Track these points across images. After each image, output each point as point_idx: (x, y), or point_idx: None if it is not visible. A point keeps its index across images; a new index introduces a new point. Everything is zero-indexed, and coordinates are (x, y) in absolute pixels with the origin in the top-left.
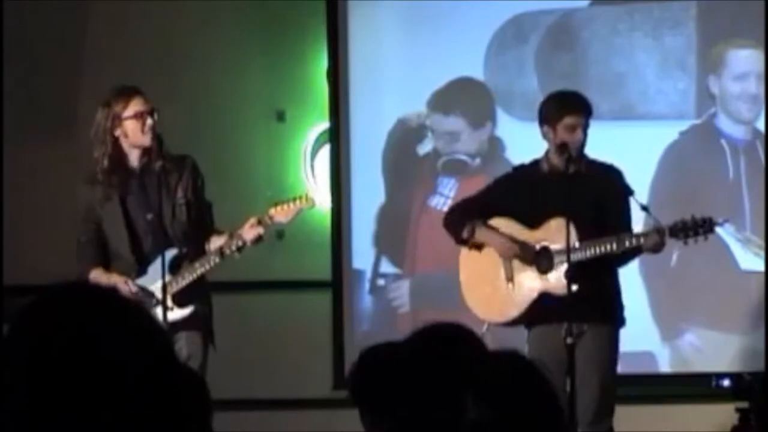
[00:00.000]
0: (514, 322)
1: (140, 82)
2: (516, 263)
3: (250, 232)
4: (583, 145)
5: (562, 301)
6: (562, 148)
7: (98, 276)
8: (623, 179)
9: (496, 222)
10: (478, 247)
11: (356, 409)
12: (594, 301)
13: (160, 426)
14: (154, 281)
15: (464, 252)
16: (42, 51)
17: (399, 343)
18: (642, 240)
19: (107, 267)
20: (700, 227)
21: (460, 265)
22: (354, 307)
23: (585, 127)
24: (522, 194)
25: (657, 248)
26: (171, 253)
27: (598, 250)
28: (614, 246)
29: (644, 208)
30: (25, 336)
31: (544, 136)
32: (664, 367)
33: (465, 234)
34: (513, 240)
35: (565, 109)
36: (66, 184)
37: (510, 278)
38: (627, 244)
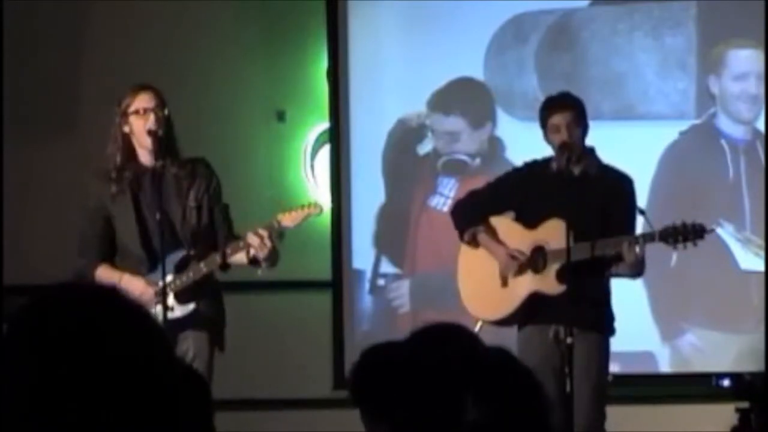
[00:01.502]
0: (505, 321)
1: (140, 81)
2: None
3: (252, 238)
4: (578, 143)
5: (553, 303)
6: (562, 148)
7: (106, 272)
8: (631, 186)
9: (497, 222)
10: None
11: (356, 409)
12: (584, 307)
13: (160, 426)
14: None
15: (464, 247)
16: (42, 51)
17: (399, 343)
18: (627, 245)
19: (112, 263)
20: (689, 233)
21: (459, 260)
22: (354, 307)
23: (574, 126)
24: (528, 191)
25: (636, 257)
26: (179, 254)
27: (585, 254)
28: (598, 251)
29: (641, 212)
30: (25, 336)
31: (546, 141)
32: (664, 367)
33: (466, 238)
34: (511, 255)
35: (548, 110)
36: (67, 184)
37: (504, 277)
38: (612, 250)
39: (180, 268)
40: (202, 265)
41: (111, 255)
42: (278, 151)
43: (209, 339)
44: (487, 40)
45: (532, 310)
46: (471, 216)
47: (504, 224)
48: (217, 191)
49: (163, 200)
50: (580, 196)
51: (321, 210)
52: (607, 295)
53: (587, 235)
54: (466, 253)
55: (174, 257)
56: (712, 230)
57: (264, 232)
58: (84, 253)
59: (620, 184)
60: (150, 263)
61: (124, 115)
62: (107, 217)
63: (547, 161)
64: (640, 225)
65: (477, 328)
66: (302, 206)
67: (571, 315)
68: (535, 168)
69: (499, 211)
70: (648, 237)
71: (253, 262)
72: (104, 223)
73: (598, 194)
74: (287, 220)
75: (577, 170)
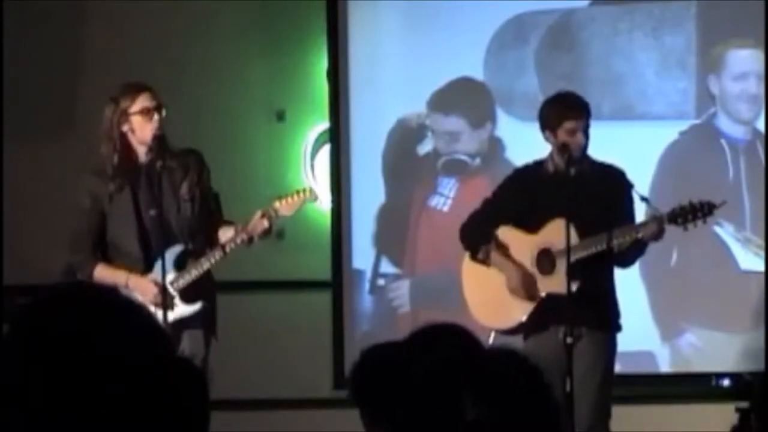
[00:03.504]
0: (519, 329)
1: (140, 81)
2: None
3: (257, 225)
4: (585, 146)
5: (562, 303)
6: (563, 149)
7: (108, 272)
8: (626, 179)
9: (501, 232)
10: None
11: (356, 409)
12: (592, 306)
13: (159, 426)
14: (160, 278)
15: (467, 259)
16: (42, 51)
17: (399, 343)
18: (641, 231)
19: (104, 261)
20: (698, 211)
21: (463, 274)
22: (354, 307)
23: (586, 129)
24: (526, 195)
25: (657, 237)
26: (176, 249)
27: (598, 247)
28: (614, 241)
29: (644, 199)
30: (25, 336)
31: (546, 140)
32: (664, 367)
33: (480, 256)
34: (524, 274)
35: (564, 113)
36: (66, 184)
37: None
38: (627, 237)
39: (178, 264)
40: (202, 260)
41: (103, 253)
42: (278, 151)
43: (204, 336)
44: (487, 40)
45: (543, 313)
46: (478, 235)
47: (508, 233)
48: (208, 180)
49: (156, 196)
50: (579, 195)
51: (316, 196)
52: (613, 292)
53: (591, 232)
54: (470, 264)
55: (172, 252)
56: (723, 203)
57: (267, 224)
58: (78, 250)
59: (616, 178)
60: (146, 262)
61: (124, 114)
62: (102, 215)
63: (540, 164)
64: (644, 212)
65: (491, 340)
66: (297, 192)
67: (579, 314)
68: (528, 172)
69: (503, 223)
70: (658, 220)
71: (249, 241)
72: (98, 222)
73: (596, 191)
74: (284, 208)
75: (573, 170)
